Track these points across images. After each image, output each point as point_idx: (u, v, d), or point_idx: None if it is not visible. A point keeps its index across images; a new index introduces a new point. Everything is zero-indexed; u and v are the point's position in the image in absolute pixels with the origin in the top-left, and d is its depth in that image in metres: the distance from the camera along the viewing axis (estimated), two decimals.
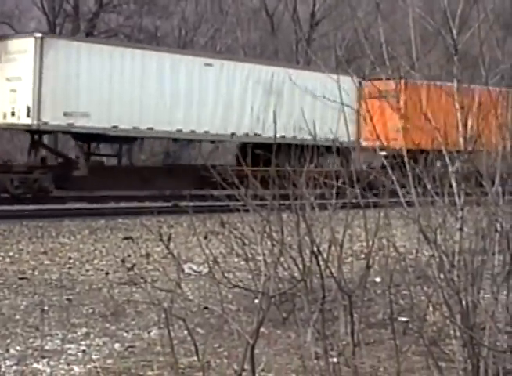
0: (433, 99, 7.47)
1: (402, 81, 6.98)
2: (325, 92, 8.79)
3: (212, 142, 28.01)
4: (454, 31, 6.39)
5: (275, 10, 44.26)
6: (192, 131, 25.06)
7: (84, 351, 7.48)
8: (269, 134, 7.70)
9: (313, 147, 7.88)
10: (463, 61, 6.58)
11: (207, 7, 43.71)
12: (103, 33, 37.73)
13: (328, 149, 8.83)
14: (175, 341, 7.07)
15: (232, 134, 25.51)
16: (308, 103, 22.01)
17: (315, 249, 6.37)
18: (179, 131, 24.75)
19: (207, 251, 6.43)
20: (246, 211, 7.73)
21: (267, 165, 8.22)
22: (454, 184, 6.29)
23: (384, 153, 8.05)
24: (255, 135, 24.30)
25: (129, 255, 12.64)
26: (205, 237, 6.64)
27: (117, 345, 7.69)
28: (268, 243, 6.74)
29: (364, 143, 18.02)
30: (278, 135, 6.33)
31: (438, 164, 6.84)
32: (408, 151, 6.65)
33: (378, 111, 8.14)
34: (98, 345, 7.68)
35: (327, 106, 9.90)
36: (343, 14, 38.65)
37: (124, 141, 25.25)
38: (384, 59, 6.82)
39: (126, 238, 14.78)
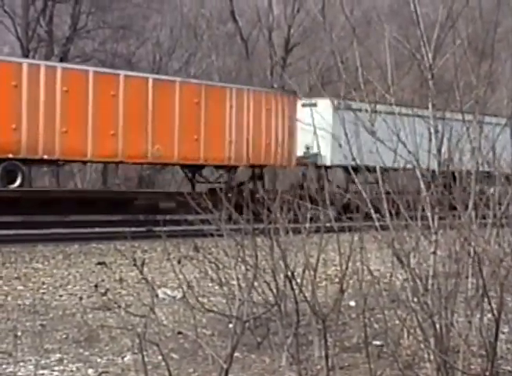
0: None
1: None
2: None
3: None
4: (429, 56, 6.45)
5: (250, 35, 44.47)
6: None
7: None
8: None
9: None
10: (437, 85, 6.64)
11: (182, 32, 43.83)
12: (78, 58, 37.71)
13: None
14: (149, 367, 7.02)
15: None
16: None
17: (289, 273, 6.36)
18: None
19: (181, 276, 6.40)
20: (221, 235, 7.72)
21: None
22: (428, 208, 6.32)
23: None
24: None
25: (103, 280, 12.56)
26: (179, 262, 6.61)
27: (90, 371, 7.62)
28: (243, 267, 6.73)
29: None
30: None
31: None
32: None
33: None
34: (71, 371, 7.60)
35: None
36: (318, 39, 38.89)
37: None
38: (359, 83, 6.87)
39: (99, 263, 14.69)
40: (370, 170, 6.89)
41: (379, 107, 6.99)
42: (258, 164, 27.32)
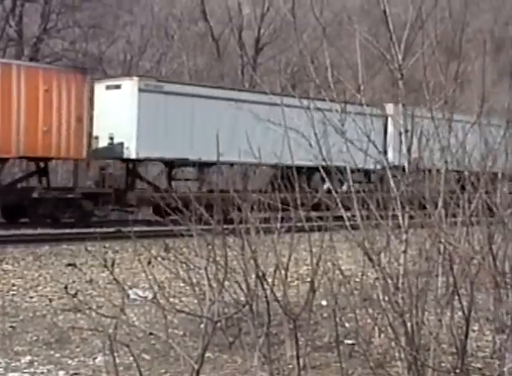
0: None
1: None
2: None
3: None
4: (399, 56, 6.48)
5: (221, 35, 44.44)
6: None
7: None
8: None
9: None
10: (407, 85, 6.66)
11: (153, 32, 43.68)
12: (47, 57, 37.45)
13: None
14: (121, 368, 6.99)
15: None
16: None
17: (260, 273, 6.36)
18: None
19: (151, 277, 6.38)
20: (191, 235, 7.70)
21: None
22: (398, 207, 6.35)
23: None
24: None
25: (74, 282, 12.49)
26: (149, 263, 6.57)
27: (61, 373, 7.57)
28: (214, 267, 6.72)
29: None
30: None
31: None
32: None
33: None
34: (42, 373, 7.55)
35: None
36: (288, 39, 38.93)
37: None
38: (330, 83, 6.88)
39: (69, 264, 14.59)
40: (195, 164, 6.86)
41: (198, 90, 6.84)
42: (37, 157, 23.09)
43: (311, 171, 24.77)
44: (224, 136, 6.46)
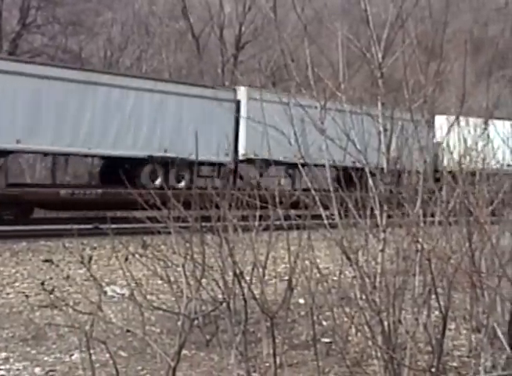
0: None
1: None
2: None
3: None
4: (379, 55, 6.48)
5: (202, 32, 44.37)
6: None
7: None
8: None
9: None
10: (387, 84, 6.67)
11: (134, 28, 43.57)
12: (27, 53, 37.25)
13: None
14: (97, 365, 6.98)
15: None
16: None
17: (238, 271, 6.35)
18: None
19: (129, 274, 6.36)
20: (169, 233, 7.68)
21: None
22: (376, 206, 6.35)
23: None
24: None
25: (51, 278, 12.42)
26: (126, 259, 6.55)
27: (37, 370, 7.54)
28: (191, 265, 6.70)
29: None
30: None
31: None
32: None
33: None
34: (18, 370, 7.52)
35: None
36: (270, 37, 38.91)
37: None
38: (310, 81, 6.87)
39: (46, 260, 14.50)
40: None
41: None
42: None
43: (139, 162, 24.15)
44: None
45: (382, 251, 6.31)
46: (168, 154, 24.07)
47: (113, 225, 7.25)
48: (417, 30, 6.90)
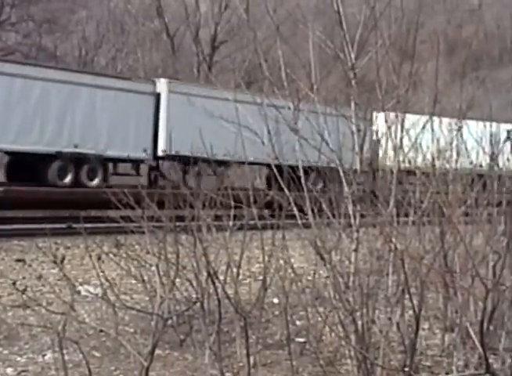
0: None
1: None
2: None
3: None
4: (352, 56, 6.50)
5: (177, 31, 44.29)
6: None
7: None
8: None
9: None
10: (360, 85, 6.69)
11: (109, 27, 43.41)
12: (0, 51, 36.99)
13: None
14: (70, 365, 6.94)
15: None
16: None
17: (212, 271, 6.35)
18: None
19: (102, 273, 6.34)
20: (143, 232, 7.67)
21: None
22: (350, 205, 6.37)
23: None
24: None
25: (24, 278, 12.35)
26: (98, 259, 6.53)
27: (9, 370, 7.50)
28: (165, 264, 6.70)
29: None
30: None
31: None
32: None
33: None
34: None
35: None
36: (244, 36, 38.90)
37: None
38: (283, 81, 6.88)
39: (19, 260, 14.43)
40: None
41: None
42: None
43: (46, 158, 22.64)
44: None
45: (355, 250, 6.32)
46: (79, 150, 22.74)
47: (87, 225, 7.23)
48: (391, 30, 6.93)
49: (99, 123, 22.95)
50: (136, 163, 24.46)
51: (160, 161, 25.61)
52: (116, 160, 23.95)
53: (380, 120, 6.84)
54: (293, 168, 6.61)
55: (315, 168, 6.70)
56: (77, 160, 22.75)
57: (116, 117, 23.02)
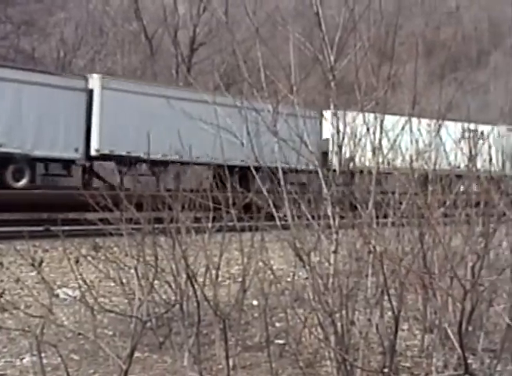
0: None
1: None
2: None
3: None
4: (332, 58, 6.50)
5: (155, 34, 44.20)
6: None
7: None
8: None
9: None
10: (339, 86, 6.69)
11: (87, 29, 43.25)
12: None
13: None
14: (48, 368, 6.90)
15: None
16: None
17: (191, 273, 6.33)
18: None
19: (80, 276, 6.31)
20: (121, 234, 7.63)
21: None
22: (329, 207, 6.37)
23: None
24: None
25: (1, 281, 12.28)
26: (76, 261, 6.50)
27: None
28: (144, 267, 6.67)
29: None
30: None
31: None
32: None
33: None
34: None
35: None
36: (223, 38, 38.87)
37: None
38: (262, 83, 6.87)
39: None
40: None
41: None
42: None
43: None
44: None
45: (335, 252, 6.32)
46: (4, 149, 21.69)
47: (65, 227, 7.19)
48: (370, 33, 6.94)
49: (26, 121, 21.94)
50: (67, 163, 23.38)
51: (95, 162, 24.66)
52: (45, 160, 23.02)
53: (328, 118, 6.81)
54: (241, 168, 6.61)
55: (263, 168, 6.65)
56: (2, 160, 21.87)
57: (44, 115, 22.07)
